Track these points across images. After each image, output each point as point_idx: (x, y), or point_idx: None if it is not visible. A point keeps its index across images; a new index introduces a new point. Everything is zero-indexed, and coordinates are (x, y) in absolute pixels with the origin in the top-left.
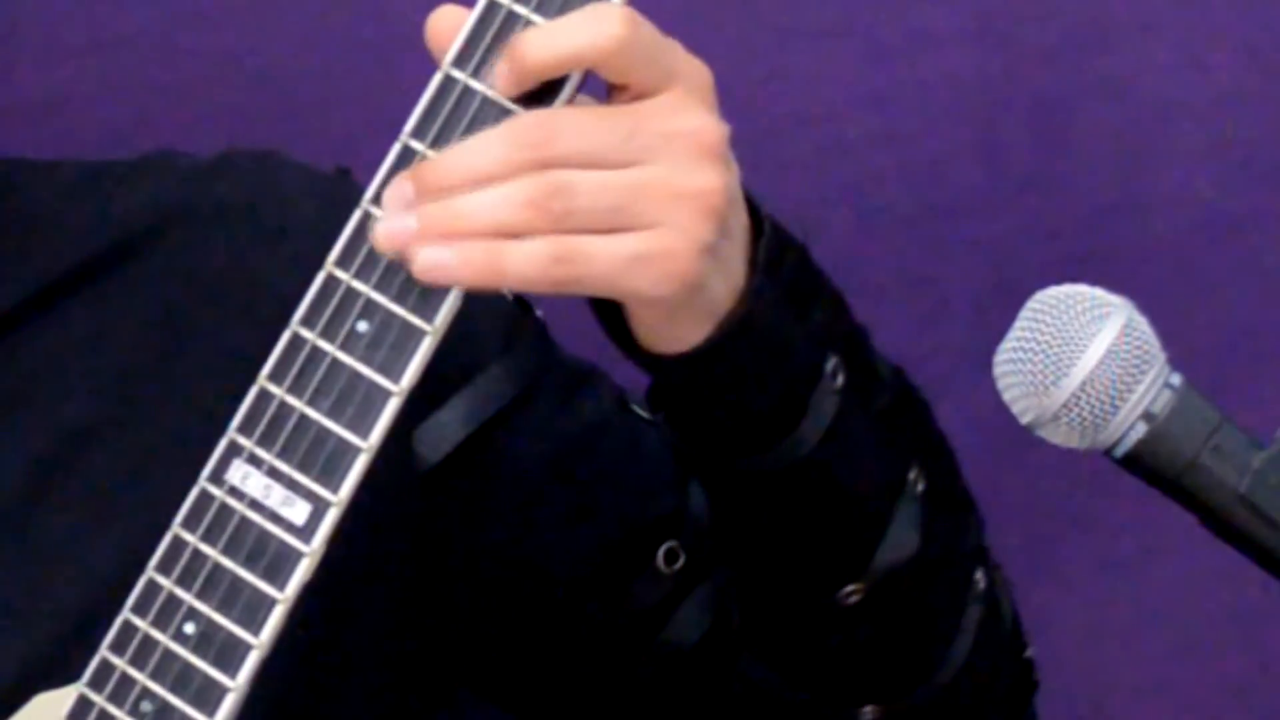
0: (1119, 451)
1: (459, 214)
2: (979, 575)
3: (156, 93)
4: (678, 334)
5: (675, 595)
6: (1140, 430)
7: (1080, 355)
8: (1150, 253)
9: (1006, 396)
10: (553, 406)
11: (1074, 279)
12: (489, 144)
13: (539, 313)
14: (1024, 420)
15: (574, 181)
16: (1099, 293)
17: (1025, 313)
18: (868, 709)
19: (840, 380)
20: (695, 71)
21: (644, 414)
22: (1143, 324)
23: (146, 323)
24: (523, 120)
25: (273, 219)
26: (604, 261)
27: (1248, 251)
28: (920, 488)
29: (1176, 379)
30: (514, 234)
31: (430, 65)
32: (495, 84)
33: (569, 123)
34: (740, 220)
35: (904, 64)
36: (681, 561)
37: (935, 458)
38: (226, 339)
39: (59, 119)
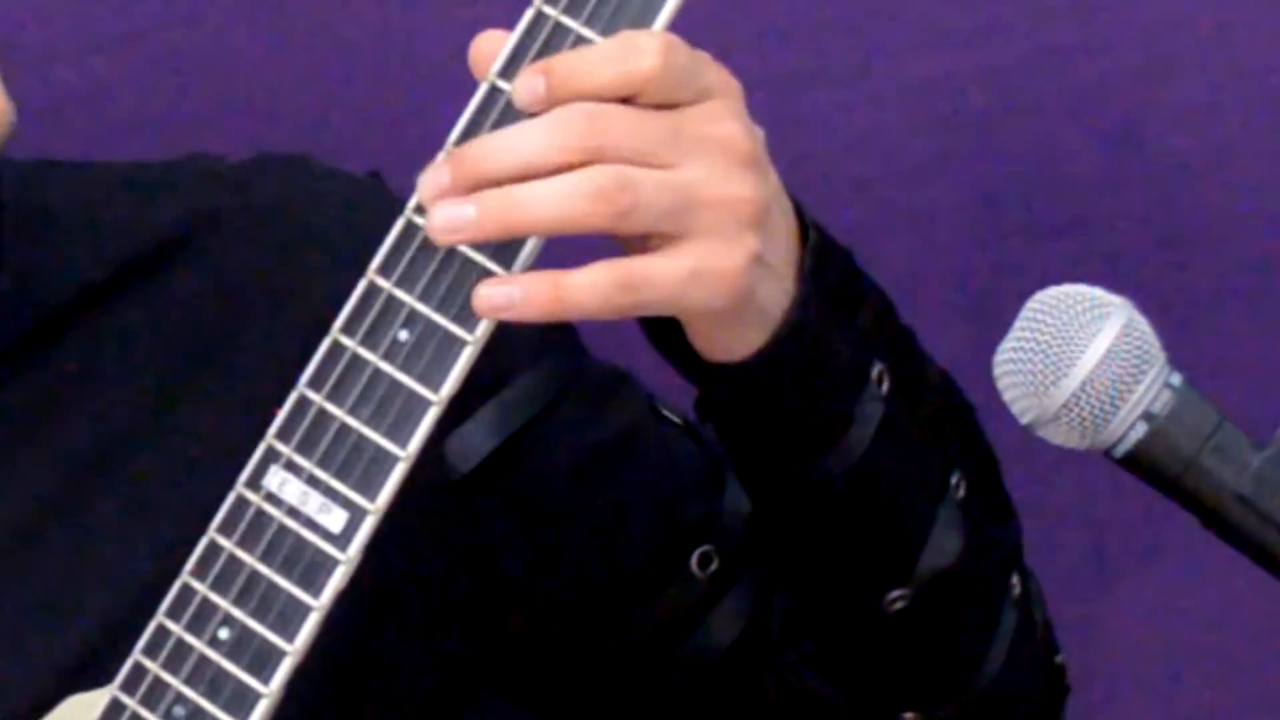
0: (1119, 451)
1: (519, 206)
2: (1015, 581)
3: (173, 93)
4: (731, 341)
5: (708, 599)
6: (1140, 430)
7: (1080, 355)
8: (1150, 253)
9: (1006, 396)
10: (583, 415)
11: (1074, 279)
12: (536, 132)
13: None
14: (1024, 420)
15: (635, 177)
16: (1099, 293)
17: (1025, 313)
18: (907, 715)
19: (886, 386)
20: (727, 84)
21: (675, 418)
22: (1143, 324)
23: (183, 328)
24: (571, 111)
25: (305, 224)
26: (664, 282)
27: (1248, 251)
28: (961, 493)
29: (1176, 379)
30: (575, 230)
31: (459, 67)
32: (521, 97)
33: (618, 116)
34: (785, 226)
35: (904, 64)
36: (715, 566)
37: (978, 463)
38: (261, 344)
39: (64, 119)
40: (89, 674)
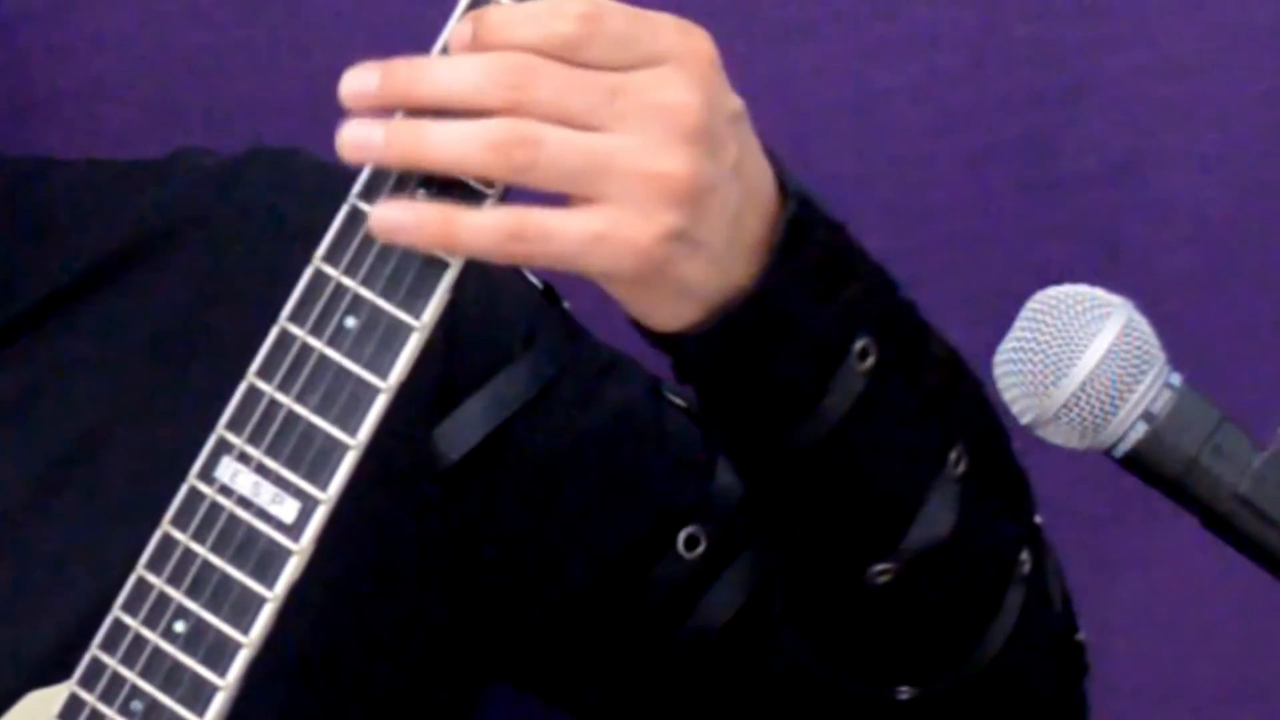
0: (1119, 451)
1: (423, 141)
2: (1024, 557)
3: (174, 93)
4: (651, 312)
5: (700, 581)
6: (1140, 430)
7: (1080, 355)
8: (1151, 253)
9: (1006, 396)
10: (575, 399)
11: (1074, 279)
12: (469, 69)
13: (565, 305)
14: (1024, 420)
15: (543, 135)
16: (1099, 293)
17: (1025, 313)
18: (903, 689)
19: (870, 360)
20: (690, 48)
21: (678, 400)
22: (1143, 324)
23: (165, 324)
24: (507, 57)
25: (296, 219)
26: (561, 240)
27: (1248, 251)
28: (961, 469)
29: (1176, 379)
30: (472, 175)
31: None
32: (454, 44)
33: (552, 72)
34: (739, 205)
35: (903, 63)
36: (703, 548)
37: (983, 439)
38: (242, 341)
39: (64, 117)
40: (56, 670)
